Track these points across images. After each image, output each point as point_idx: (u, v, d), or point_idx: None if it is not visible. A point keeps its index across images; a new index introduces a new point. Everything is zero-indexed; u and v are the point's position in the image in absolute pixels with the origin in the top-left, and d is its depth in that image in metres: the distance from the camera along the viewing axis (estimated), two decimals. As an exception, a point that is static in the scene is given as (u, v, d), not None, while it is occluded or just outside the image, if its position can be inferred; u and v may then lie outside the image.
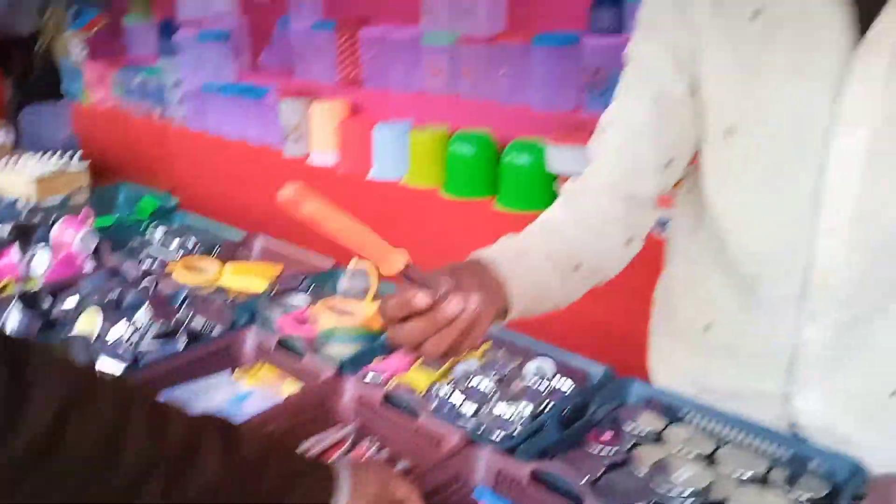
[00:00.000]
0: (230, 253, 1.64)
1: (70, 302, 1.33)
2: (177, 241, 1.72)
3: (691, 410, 1.00)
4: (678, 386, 1.05)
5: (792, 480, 0.87)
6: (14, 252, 1.54)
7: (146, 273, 1.49)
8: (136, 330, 1.21)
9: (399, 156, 2.28)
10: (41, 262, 1.51)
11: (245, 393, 1.11)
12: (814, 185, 0.86)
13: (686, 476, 0.87)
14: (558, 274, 0.90)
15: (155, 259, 1.62)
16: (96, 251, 1.61)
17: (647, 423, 0.99)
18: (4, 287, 1.44)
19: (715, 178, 0.96)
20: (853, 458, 0.87)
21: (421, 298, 0.72)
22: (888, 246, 0.85)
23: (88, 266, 1.54)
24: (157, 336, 1.21)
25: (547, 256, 0.89)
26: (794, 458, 0.91)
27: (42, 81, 3.86)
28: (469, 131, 2.14)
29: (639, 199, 0.97)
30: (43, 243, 1.59)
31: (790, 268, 0.90)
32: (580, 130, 1.82)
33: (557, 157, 1.86)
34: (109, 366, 1.12)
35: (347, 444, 1.00)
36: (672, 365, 1.09)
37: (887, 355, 0.90)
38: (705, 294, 1.01)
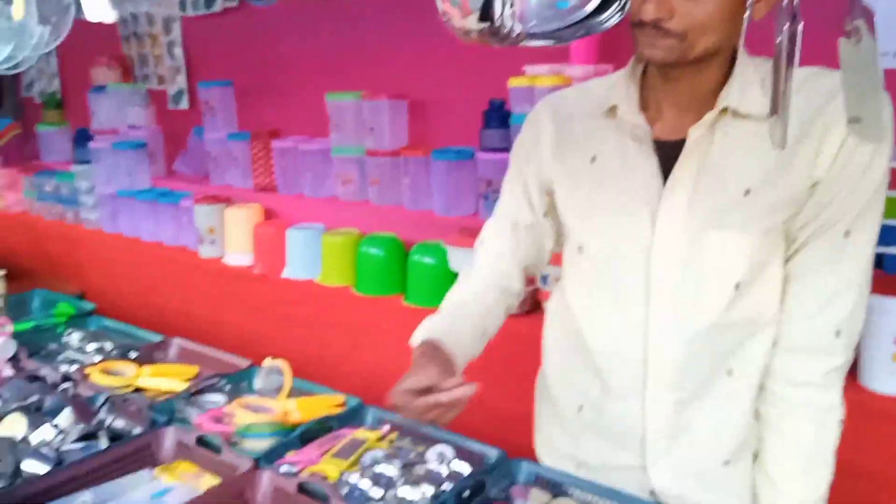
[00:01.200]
0: (147, 355, 1.71)
1: (-9, 407, 1.37)
2: (93, 345, 1.77)
3: (572, 485, 1.14)
4: (560, 462, 1.21)
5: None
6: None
7: (65, 377, 1.54)
8: (60, 432, 1.26)
9: (312, 257, 2.41)
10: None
11: (165, 488, 1.18)
12: (643, 292, 1.06)
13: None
14: (478, 341, 1.23)
15: (73, 363, 1.67)
16: (14, 357, 1.65)
17: (536, 498, 1.12)
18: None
19: (572, 284, 1.18)
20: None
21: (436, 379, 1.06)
22: (703, 337, 1.05)
23: (7, 372, 1.58)
24: (80, 438, 1.27)
25: (470, 331, 1.22)
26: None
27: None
28: (378, 234, 2.30)
29: (511, 289, 1.28)
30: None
31: (631, 360, 1.10)
32: (477, 233, 2.01)
33: (458, 258, 2.03)
34: (34, 467, 1.17)
35: (264, 531, 1.08)
36: (552, 444, 1.24)
37: (716, 429, 1.09)
38: (575, 380, 1.18)
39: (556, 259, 1.28)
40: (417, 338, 1.20)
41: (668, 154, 1.04)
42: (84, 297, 2.95)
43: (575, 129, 1.13)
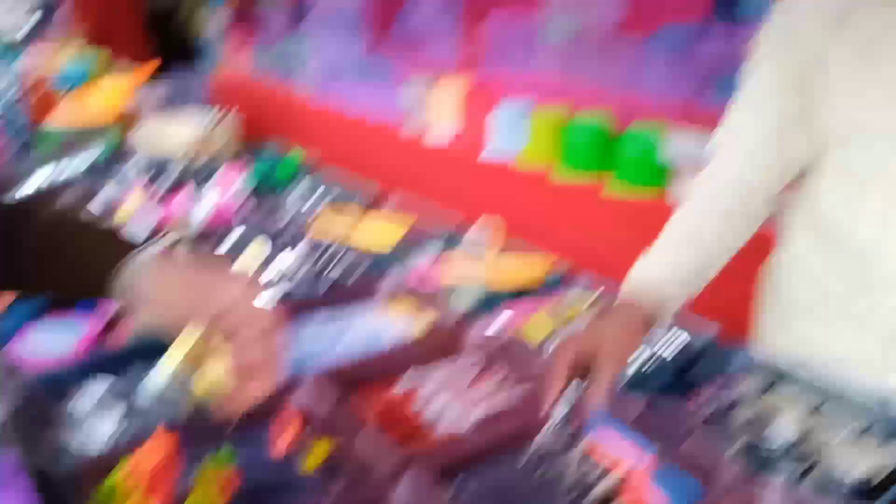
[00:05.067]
0: (367, 205, 1.79)
1: (233, 237, 1.50)
2: (318, 192, 1.88)
3: (795, 373, 1.07)
4: (781, 354, 1.14)
5: (889, 440, 0.94)
6: (189, 191, 1.73)
7: (292, 222, 1.66)
8: (295, 261, 1.37)
9: (518, 134, 2.39)
10: (207, 204, 1.71)
11: (390, 321, 1.25)
12: None
13: (783, 427, 0.95)
14: (699, 278, 1.06)
15: (299, 209, 1.79)
16: (245, 204, 1.79)
17: (751, 383, 1.07)
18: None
19: (831, 181, 1.05)
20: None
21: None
22: None
23: (240, 216, 1.73)
24: (308, 275, 1.37)
25: (691, 270, 1.05)
26: (892, 421, 0.97)
27: (179, 52, 4.16)
28: (588, 113, 2.22)
29: (752, 205, 1.08)
30: (205, 189, 1.79)
31: None
32: (698, 119, 1.88)
33: (675, 144, 1.93)
34: (272, 293, 1.28)
35: (478, 368, 1.11)
36: (775, 339, 1.17)
37: None
38: (817, 272, 1.09)
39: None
40: (625, 287, 1.04)
41: None
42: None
43: None
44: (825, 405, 1.01)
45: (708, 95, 1.97)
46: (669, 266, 1.03)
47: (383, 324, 1.24)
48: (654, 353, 1.11)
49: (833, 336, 1.09)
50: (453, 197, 2.57)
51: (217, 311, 0.67)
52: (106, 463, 0.84)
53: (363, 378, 1.06)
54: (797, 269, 1.14)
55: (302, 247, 1.43)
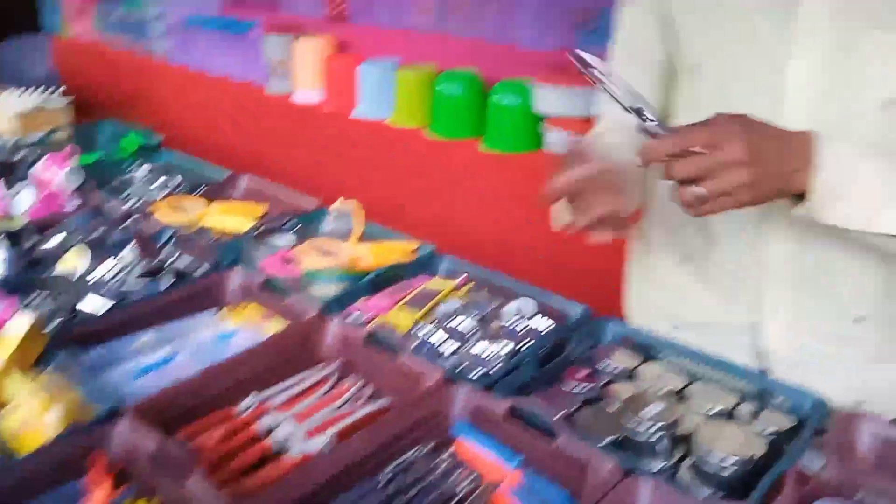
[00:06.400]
0: (215, 191, 1.65)
1: (55, 240, 1.34)
2: (161, 179, 1.72)
3: (664, 348, 1.03)
4: (654, 323, 1.09)
5: (757, 414, 0.91)
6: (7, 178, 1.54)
7: (130, 212, 1.49)
8: (123, 268, 1.22)
9: (385, 94, 2.26)
10: (25, 199, 1.51)
11: (230, 331, 1.13)
12: (771, 113, 0.86)
13: (655, 411, 0.90)
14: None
15: (139, 198, 1.62)
16: (80, 189, 1.60)
17: (622, 361, 1.02)
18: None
19: (684, 115, 1.00)
20: (816, 394, 0.91)
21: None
22: None
23: (72, 204, 1.54)
24: (143, 275, 1.23)
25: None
26: (760, 393, 0.95)
27: (19, 13, 3.77)
28: (456, 71, 2.12)
29: None
30: (26, 180, 1.59)
31: None
32: (568, 71, 1.81)
33: (545, 98, 1.85)
34: (95, 304, 1.13)
35: (331, 381, 1.02)
36: (647, 303, 1.12)
37: (846, 276, 0.93)
38: (678, 228, 1.04)
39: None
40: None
41: None
42: (155, 131, 2.92)
43: None
44: (695, 384, 0.97)
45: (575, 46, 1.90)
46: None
47: (225, 334, 1.12)
48: (516, 347, 1.04)
49: (697, 291, 1.04)
50: (324, 155, 2.45)
51: None
52: None
53: (197, 404, 0.94)
54: (659, 222, 1.09)
55: (138, 241, 1.28)
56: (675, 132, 0.75)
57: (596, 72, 0.77)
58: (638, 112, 0.76)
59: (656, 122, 0.76)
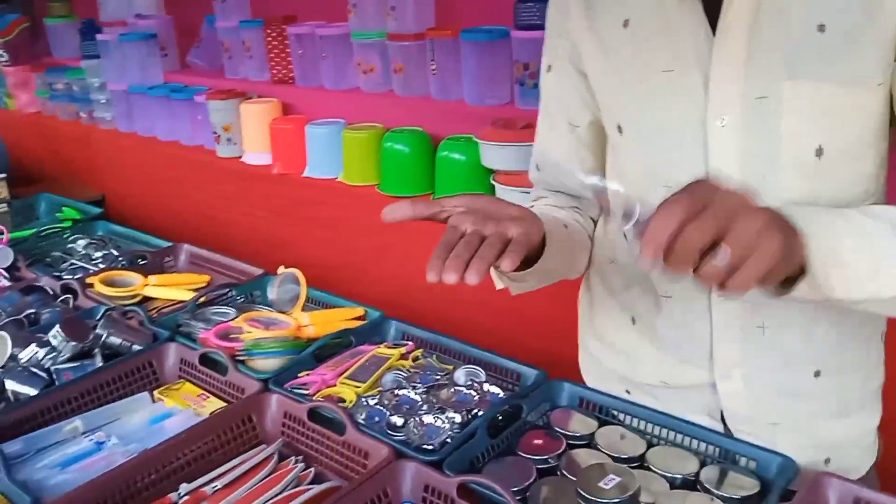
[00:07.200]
0: (155, 263, 1.59)
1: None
2: (100, 252, 1.65)
3: (623, 411, 0.99)
4: (609, 385, 1.05)
5: (722, 479, 0.87)
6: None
7: (65, 288, 1.42)
8: (51, 350, 1.15)
9: (333, 154, 2.23)
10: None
11: (164, 413, 1.07)
12: (700, 169, 0.86)
13: (616, 482, 0.86)
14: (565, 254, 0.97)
15: (76, 272, 1.55)
16: (12, 266, 1.54)
17: (579, 425, 0.98)
18: None
19: (614, 174, 0.99)
20: (781, 455, 0.87)
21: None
22: None
23: (2, 282, 1.47)
24: (73, 357, 1.16)
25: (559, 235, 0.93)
26: (724, 454, 0.90)
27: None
28: (403, 129, 2.10)
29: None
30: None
31: None
32: (512, 126, 1.80)
33: (492, 153, 1.84)
34: (21, 389, 1.06)
35: (272, 463, 0.96)
36: (599, 366, 1.08)
37: (802, 331, 0.90)
38: (625, 288, 1.01)
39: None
40: None
41: (716, 4, 0.82)
42: (103, 201, 2.85)
43: None
44: (655, 447, 0.93)
45: (518, 102, 1.89)
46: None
47: (158, 416, 1.05)
48: (468, 416, 0.99)
49: (651, 358, 1.00)
50: (275, 217, 2.41)
51: None
52: None
53: (127, 496, 0.87)
54: (602, 283, 1.05)
55: (67, 322, 1.21)
56: (660, 211, 0.67)
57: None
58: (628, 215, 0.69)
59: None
